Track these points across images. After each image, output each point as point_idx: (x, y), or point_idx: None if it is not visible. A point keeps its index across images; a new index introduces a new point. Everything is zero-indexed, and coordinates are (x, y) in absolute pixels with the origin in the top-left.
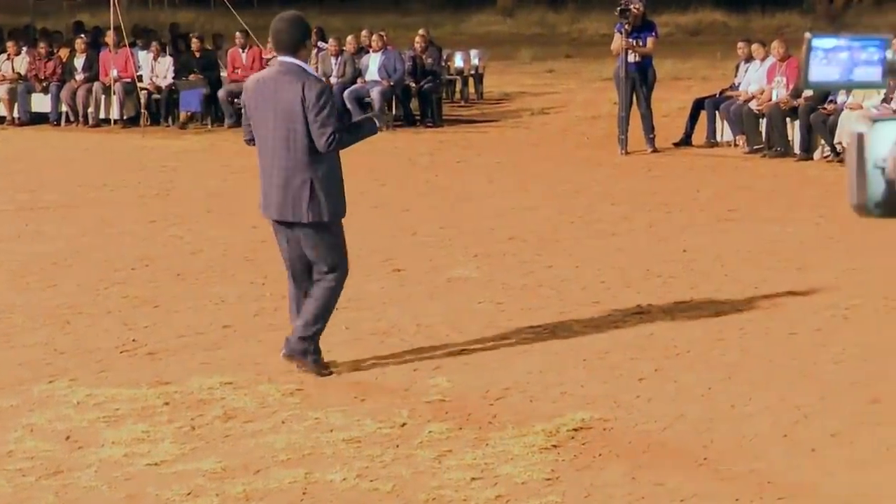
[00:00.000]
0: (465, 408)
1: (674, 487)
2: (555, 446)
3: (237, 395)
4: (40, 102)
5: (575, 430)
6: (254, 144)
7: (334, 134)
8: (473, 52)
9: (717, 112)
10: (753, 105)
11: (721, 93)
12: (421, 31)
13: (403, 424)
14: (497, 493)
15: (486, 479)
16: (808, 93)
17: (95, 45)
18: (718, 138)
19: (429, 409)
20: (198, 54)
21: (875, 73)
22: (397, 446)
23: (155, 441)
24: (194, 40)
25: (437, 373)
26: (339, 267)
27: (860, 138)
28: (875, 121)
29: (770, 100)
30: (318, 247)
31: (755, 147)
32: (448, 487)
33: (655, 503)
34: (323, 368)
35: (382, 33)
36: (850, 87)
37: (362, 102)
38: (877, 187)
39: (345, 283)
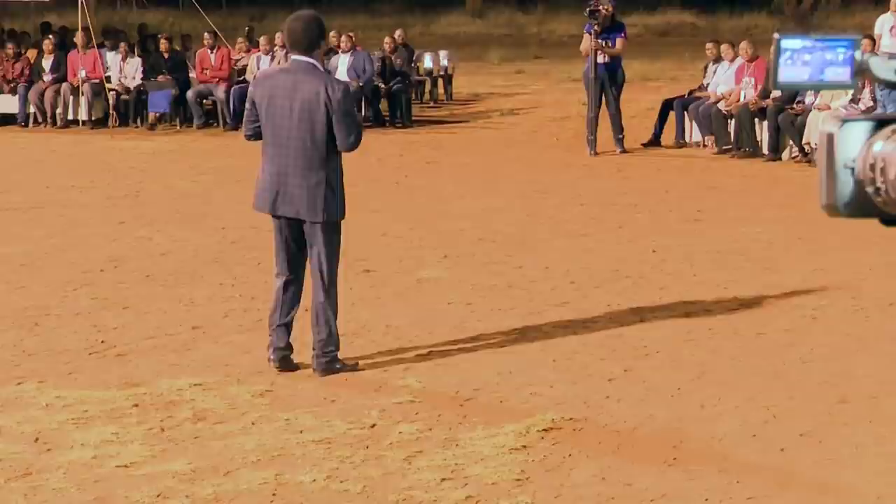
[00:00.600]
0: (435, 409)
1: (644, 487)
2: (525, 447)
3: (207, 397)
4: (8, 103)
5: (545, 430)
6: (255, 140)
7: (359, 134)
8: (443, 53)
9: (685, 113)
10: (722, 106)
11: (690, 93)
12: (398, 33)
13: (373, 425)
14: (467, 494)
15: (456, 480)
16: (776, 93)
17: (63, 45)
18: (687, 139)
19: (399, 410)
20: (166, 55)
21: (844, 74)
22: (367, 447)
23: (124, 443)
24: (163, 41)
25: (407, 373)
26: (334, 270)
27: (830, 138)
28: (844, 121)
29: (739, 100)
30: (327, 246)
31: (724, 147)
32: (418, 488)
33: (625, 503)
34: (354, 367)
35: (351, 34)
36: (819, 87)
37: None
38: (846, 187)
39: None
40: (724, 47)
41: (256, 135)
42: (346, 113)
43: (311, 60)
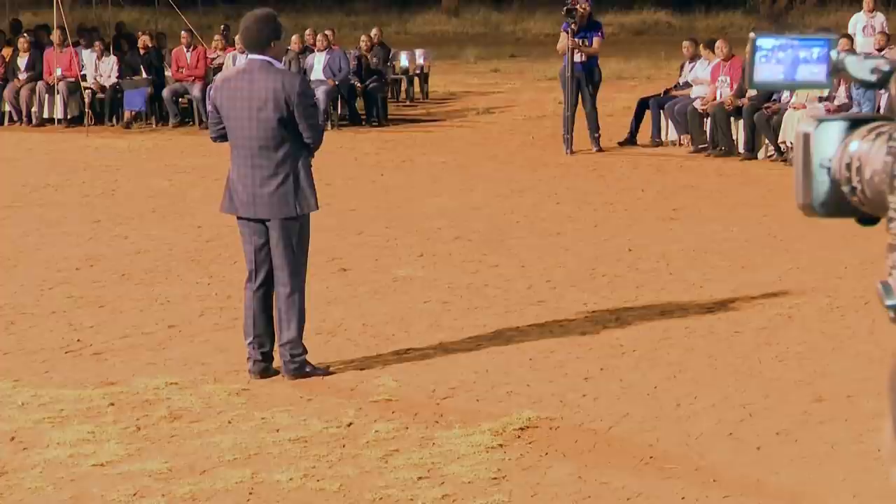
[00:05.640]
0: (411, 407)
1: (620, 486)
2: (501, 445)
3: (183, 396)
4: None
5: (521, 429)
6: (221, 141)
7: (322, 126)
8: (418, 52)
9: (661, 111)
10: (698, 104)
11: (666, 92)
12: (373, 32)
13: (350, 424)
14: (443, 493)
15: (432, 479)
16: (752, 92)
17: (38, 44)
18: (663, 137)
19: (375, 409)
20: (143, 52)
21: (820, 73)
22: (344, 446)
23: (100, 442)
24: (141, 38)
25: (383, 372)
26: (303, 270)
27: (806, 138)
28: (821, 120)
29: (714, 99)
30: (294, 245)
31: (700, 146)
32: (394, 487)
33: (601, 502)
34: (325, 372)
35: (328, 32)
36: (794, 86)
37: None
38: (822, 187)
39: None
40: (703, 45)
41: (221, 137)
42: (309, 105)
43: (266, 58)
